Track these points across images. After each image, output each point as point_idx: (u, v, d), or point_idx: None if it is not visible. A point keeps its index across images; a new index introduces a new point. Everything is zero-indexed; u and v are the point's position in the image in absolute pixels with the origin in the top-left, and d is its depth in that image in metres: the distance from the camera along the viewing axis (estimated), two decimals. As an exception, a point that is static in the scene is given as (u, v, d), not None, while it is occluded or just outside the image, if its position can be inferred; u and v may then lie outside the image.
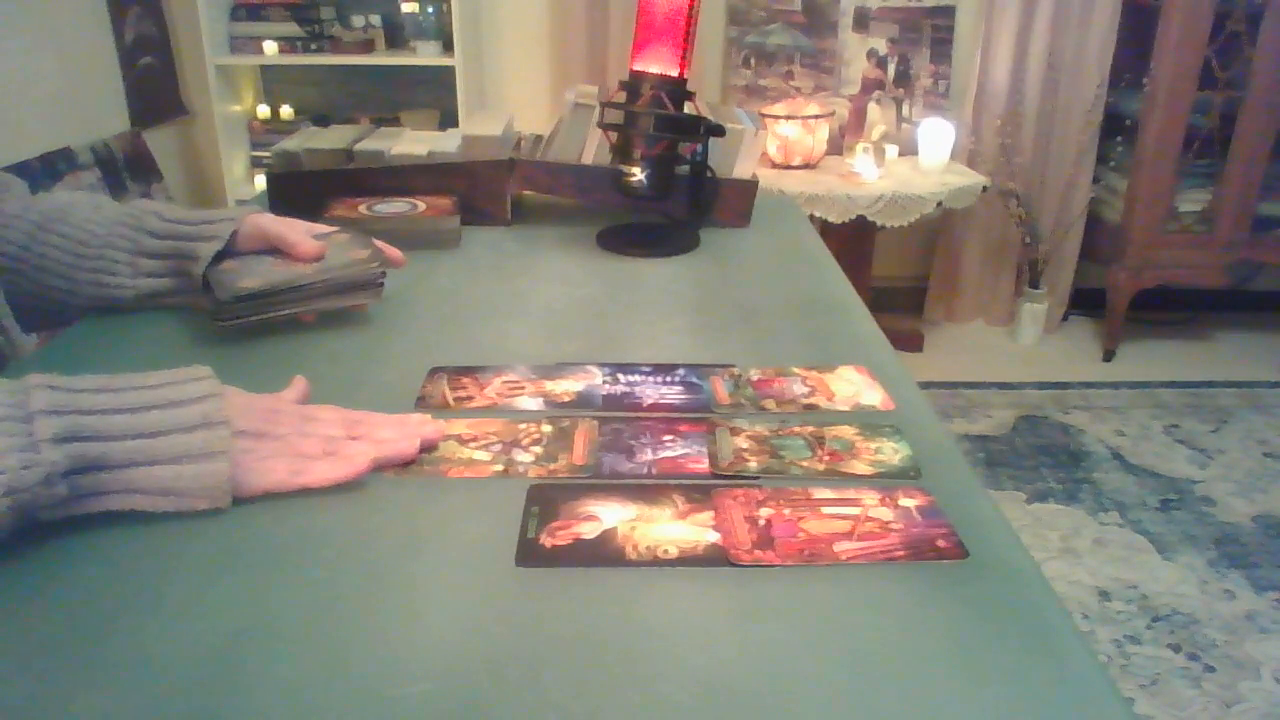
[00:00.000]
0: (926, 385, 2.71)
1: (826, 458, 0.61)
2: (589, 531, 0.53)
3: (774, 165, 2.72)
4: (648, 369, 0.74)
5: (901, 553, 0.51)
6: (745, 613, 0.47)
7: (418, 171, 1.09)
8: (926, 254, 3.18)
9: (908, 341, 2.99)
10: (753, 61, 2.92)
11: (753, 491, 0.57)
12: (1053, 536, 2.05)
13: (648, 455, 0.61)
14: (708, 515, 0.54)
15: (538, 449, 0.61)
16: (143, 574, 0.49)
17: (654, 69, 0.95)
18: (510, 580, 0.49)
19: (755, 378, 0.72)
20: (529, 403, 0.68)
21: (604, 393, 0.69)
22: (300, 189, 1.08)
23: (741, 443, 0.63)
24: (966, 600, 0.48)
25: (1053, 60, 2.85)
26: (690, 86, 0.98)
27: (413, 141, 1.19)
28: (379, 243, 0.84)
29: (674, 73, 0.95)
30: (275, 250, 0.82)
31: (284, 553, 0.50)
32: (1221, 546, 2.02)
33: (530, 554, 0.51)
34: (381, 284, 0.81)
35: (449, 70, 2.73)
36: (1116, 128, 2.86)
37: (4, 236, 0.80)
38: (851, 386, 0.71)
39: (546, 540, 0.52)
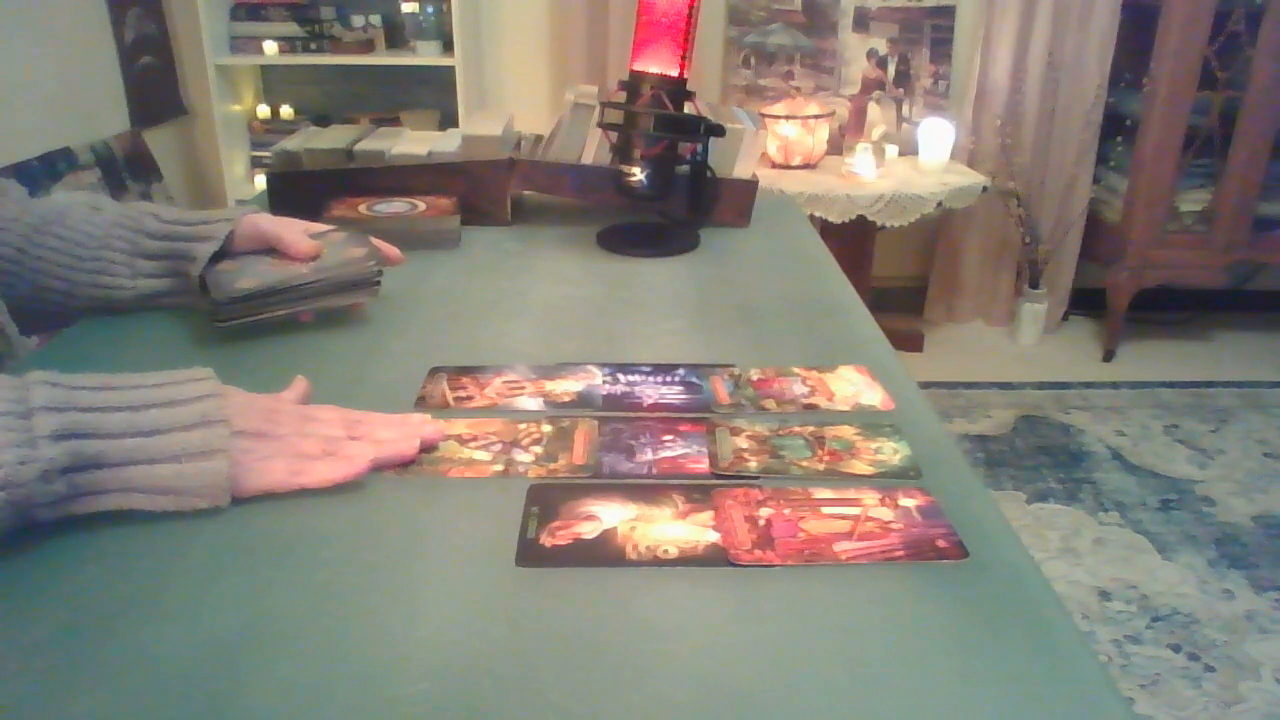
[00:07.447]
0: (926, 385, 2.71)
1: (826, 458, 0.61)
2: (589, 531, 0.53)
3: (774, 165, 2.72)
4: (648, 369, 0.74)
5: (901, 553, 0.51)
6: (745, 613, 0.47)
7: (418, 171, 1.09)
8: (926, 254, 3.18)
9: (908, 341, 2.99)
10: (753, 61, 2.92)
11: (753, 491, 0.57)
12: (1053, 536, 2.05)
13: (648, 455, 0.61)
14: (708, 515, 0.54)
15: (538, 449, 0.61)
16: (143, 574, 0.49)
17: (654, 69, 0.95)
18: (510, 580, 0.49)
19: (755, 378, 0.72)
20: (529, 403, 0.68)
21: (604, 393, 0.69)
22: (300, 189, 1.08)
23: (741, 443, 0.62)
24: (966, 600, 0.47)
25: (1053, 60, 2.85)
26: (690, 86, 0.98)
27: (413, 141, 1.18)
28: (376, 241, 0.84)
29: (674, 73, 0.95)
30: (272, 250, 0.82)
31: (284, 553, 0.50)
32: (1221, 546, 2.02)
33: (530, 554, 0.51)
34: (378, 282, 0.81)
35: (449, 70, 2.73)
36: (1116, 128, 2.86)
37: (1, 240, 0.80)
38: (851, 386, 0.71)
39: (546, 540, 0.52)
